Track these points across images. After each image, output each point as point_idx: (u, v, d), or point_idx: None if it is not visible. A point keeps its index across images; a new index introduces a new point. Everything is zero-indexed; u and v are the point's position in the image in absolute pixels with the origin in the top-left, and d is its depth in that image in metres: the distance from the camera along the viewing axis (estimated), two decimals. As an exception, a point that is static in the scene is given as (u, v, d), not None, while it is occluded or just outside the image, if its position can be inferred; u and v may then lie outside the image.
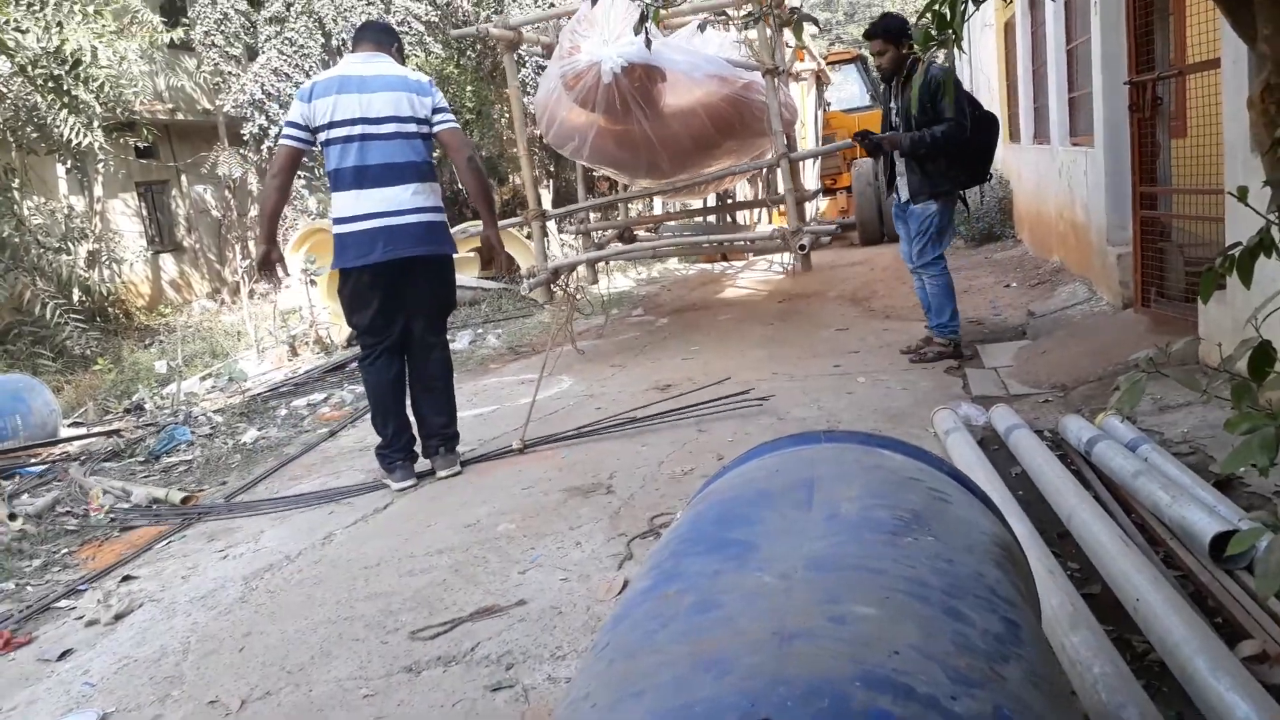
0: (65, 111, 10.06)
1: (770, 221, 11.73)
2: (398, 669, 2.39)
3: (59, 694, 2.60)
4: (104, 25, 10.47)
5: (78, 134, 10.11)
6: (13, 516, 4.28)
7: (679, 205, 12.25)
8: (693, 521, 1.38)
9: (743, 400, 4.52)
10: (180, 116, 15.03)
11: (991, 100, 11.76)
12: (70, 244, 11.84)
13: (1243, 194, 1.48)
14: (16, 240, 10.59)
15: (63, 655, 2.86)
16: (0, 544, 3.93)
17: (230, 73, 11.99)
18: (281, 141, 3.99)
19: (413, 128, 4.00)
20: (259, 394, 6.79)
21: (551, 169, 16.48)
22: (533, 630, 2.49)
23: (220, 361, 8.37)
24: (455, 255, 4.33)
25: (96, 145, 10.57)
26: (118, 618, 3.06)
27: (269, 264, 4.08)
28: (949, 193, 5.11)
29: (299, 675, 2.44)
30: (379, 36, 4.16)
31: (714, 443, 4.06)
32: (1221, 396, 1.38)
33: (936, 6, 1.64)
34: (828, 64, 14.25)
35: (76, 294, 11.21)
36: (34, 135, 10.56)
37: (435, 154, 4.25)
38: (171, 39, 12.13)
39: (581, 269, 8.92)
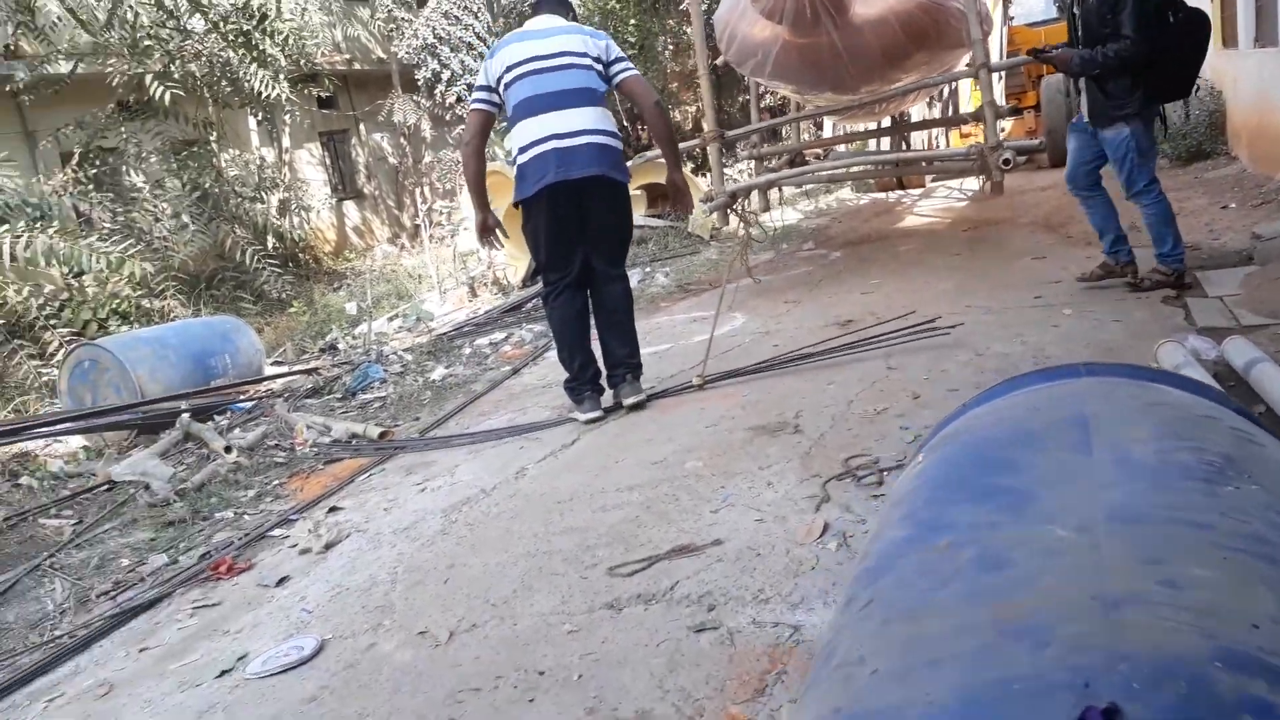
0: (255, 65, 10.59)
1: (949, 144, 11.10)
2: (599, 605, 2.38)
3: (279, 619, 2.74)
4: (287, -23, 10.93)
5: (266, 86, 10.63)
6: (228, 449, 4.57)
7: (847, 129, 11.74)
8: (944, 465, 1.25)
9: (932, 330, 4.25)
10: (357, 66, 15.58)
11: (1203, 3, 10.62)
12: (264, 193, 12.59)
13: None
14: (217, 191, 11.33)
15: (280, 581, 3.02)
16: (218, 475, 4.21)
17: (403, 19, 12.28)
18: (472, 106, 4.10)
19: (587, 62, 4.01)
20: (444, 333, 7.01)
21: (719, 100, 16.17)
22: (731, 571, 2.42)
23: (406, 303, 8.71)
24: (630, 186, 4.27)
25: (283, 97, 11.10)
26: (328, 546, 3.21)
27: (487, 229, 4.21)
28: (1139, 113, 4.51)
29: (503, 608, 2.47)
30: (554, 6, 4.25)
31: (907, 380, 3.85)
32: None
33: None
34: (1011, -28, 13.25)
35: (271, 241, 11.92)
36: (228, 89, 11.16)
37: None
38: (347, -10, 12.58)
39: (754, 196, 8.69)
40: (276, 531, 3.52)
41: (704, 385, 4.26)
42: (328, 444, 4.60)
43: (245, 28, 10.53)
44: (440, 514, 3.28)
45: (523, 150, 3.92)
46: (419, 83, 12.39)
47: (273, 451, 4.63)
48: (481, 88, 4.06)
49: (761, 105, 10.91)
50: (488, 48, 12.56)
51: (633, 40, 13.32)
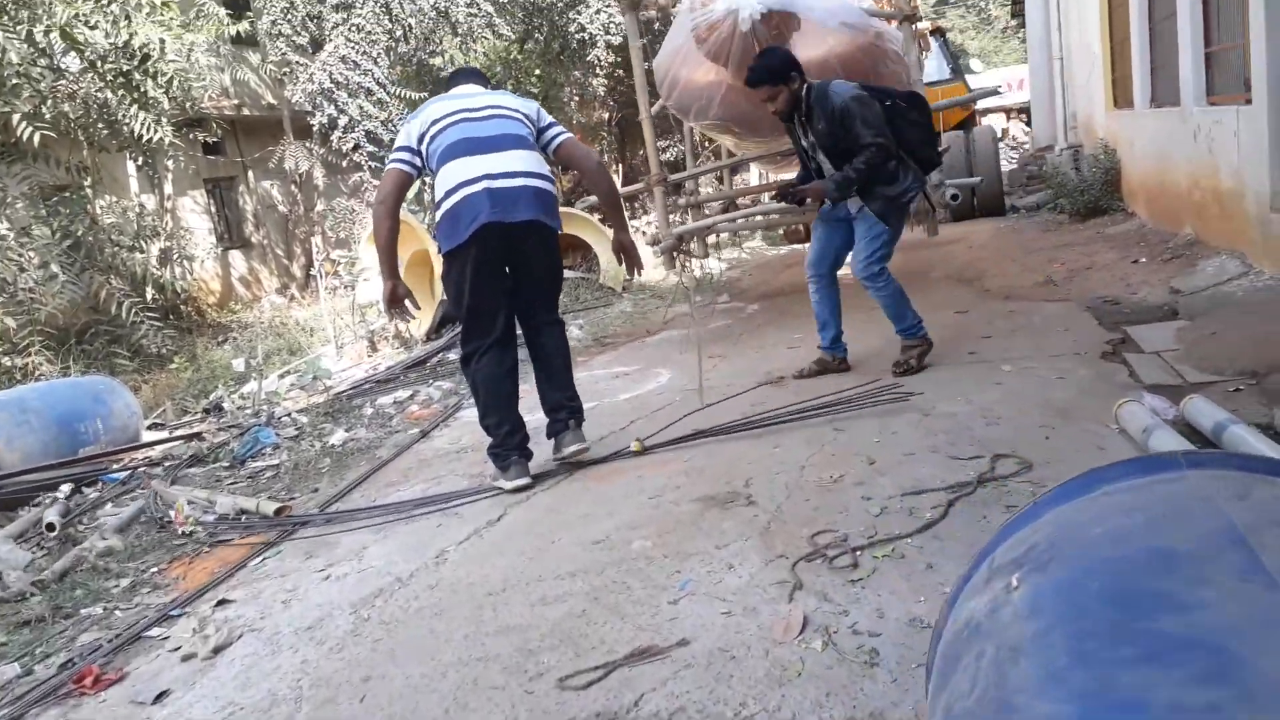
0: (135, 107, 9.92)
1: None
2: (551, 729, 2.01)
3: (157, 749, 2.28)
4: (171, 18, 10.31)
5: (148, 130, 9.97)
6: (50, 527, 4.04)
7: (772, 178, 11.80)
8: (1066, 598, 0.96)
9: (894, 395, 4.01)
10: (246, 111, 14.94)
11: (1092, 66, 11.06)
12: (143, 242, 11.78)
13: None
14: (91, 239, 10.52)
15: (159, 698, 2.54)
16: (84, 561, 3.66)
17: (298, 62, 11.78)
18: (390, 164, 3.80)
19: (519, 116, 3.83)
20: (342, 392, 6.52)
21: (622, 153, 16.09)
22: (704, 680, 2.09)
23: (299, 358, 8.14)
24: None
25: (166, 141, 10.43)
26: (216, 651, 2.74)
27: (397, 300, 3.83)
28: (904, 202, 4.59)
29: (433, 734, 2.08)
30: (474, 77, 4.13)
31: (856, 443, 3.61)
32: None
33: None
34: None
35: (150, 292, 11.13)
36: (104, 132, 10.44)
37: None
38: (237, 32, 11.98)
39: (693, 244, 8.65)
40: (154, 631, 3.02)
41: (644, 450, 3.93)
42: (213, 523, 4.08)
43: (125, 68, 9.87)
44: (350, 609, 2.85)
45: (450, 193, 3.60)
46: (314, 128, 11.87)
47: (150, 532, 4.08)
48: (401, 148, 3.77)
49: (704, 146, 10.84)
50: (387, 94, 12.24)
51: (536, 91, 13.11)
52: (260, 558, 3.56)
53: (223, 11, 11.41)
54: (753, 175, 13.25)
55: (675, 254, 7.14)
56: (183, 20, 10.85)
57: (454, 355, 7.48)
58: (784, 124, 4.78)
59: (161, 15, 10.17)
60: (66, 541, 4.03)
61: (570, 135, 4.02)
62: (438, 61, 12.33)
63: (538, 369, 4.00)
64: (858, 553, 2.58)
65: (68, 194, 10.65)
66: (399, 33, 11.62)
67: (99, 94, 10.00)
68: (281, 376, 7.56)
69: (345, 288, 8.78)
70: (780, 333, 6.49)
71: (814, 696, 1.95)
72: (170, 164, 12.40)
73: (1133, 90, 8.64)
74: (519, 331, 3.94)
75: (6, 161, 10.01)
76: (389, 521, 3.69)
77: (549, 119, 3.99)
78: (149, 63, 9.94)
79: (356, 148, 11.53)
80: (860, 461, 3.38)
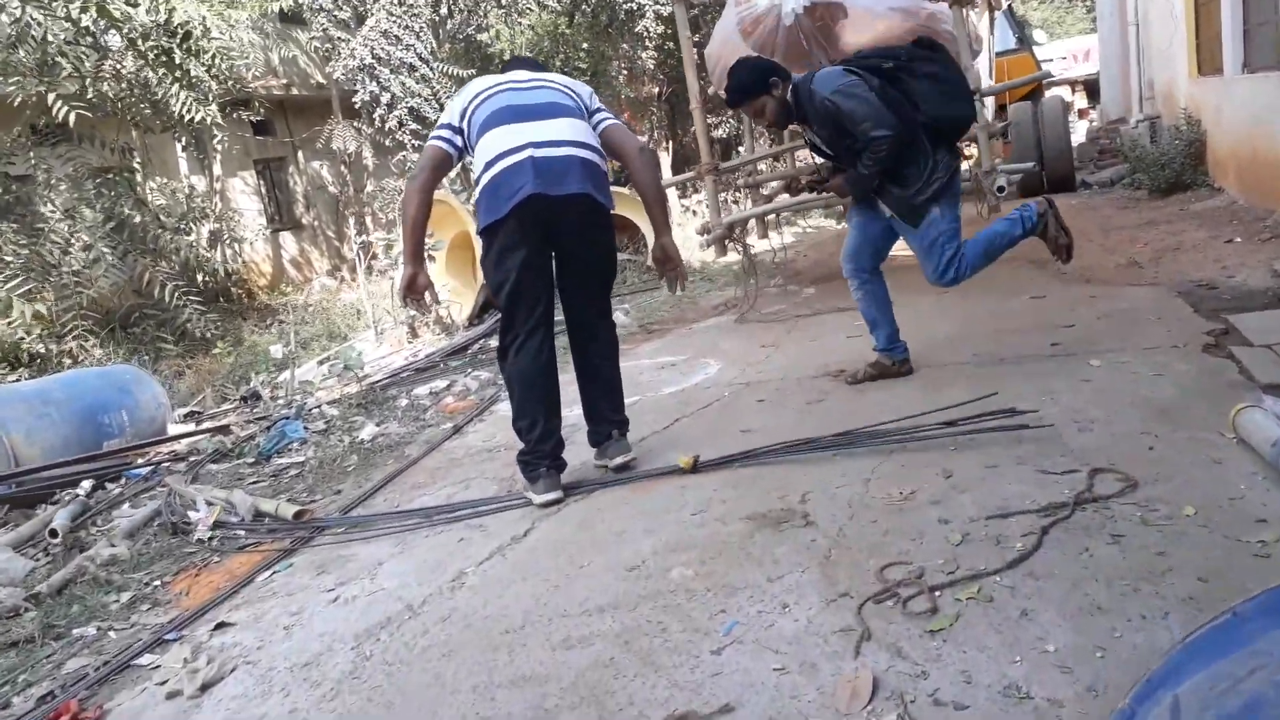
0: (177, 87, 9.74)
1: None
2: (565, 819, 1.66)
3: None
4: (213, -5, 10.12)
5: (192, 110, 9.78)
6: (53, 533, 3.81)
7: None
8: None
9: (1010, 422, 3.21)
10: (295, 91, 14.76)
11: (1174, 29, 10.33)
12: (192, 224, 11.67)
13: None
14: (137, 221, 10.41)
15: (135, 745, 2.25)
16: (85, 572, 3.40)
17: (339, 38, 11.52)
18: (430, 140, 3.44)
19: (568, 92, 3.48)
20: (378, 381, 6.25)
21: (673, 131, 15.63)
22: (752, 759, 1.72)
23: (338, 344, 7.91)
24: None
25: (211, 121, 10.26)
26: (204, 688, 2.44)
27: (416, 288, 3.42)
28: (945, 187, 3.94)
29: (427, 817, 1.75)
30: (528, 64, 3.72)
31: (930, 451, 3.20)
32: None
33: None
34: (975, 3, 13.12)
35: (200, 276, 11.02)
36: (148, 112, 10.29)
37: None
38: (281, 8, 11.75)
39: (753, 225, 8.54)
40: (146, 658, 2.74)
41: (695, 468, 3.46)
42: (236, 524, 3.81)
43: (167, 45, 9.69)
44: (352, 642, 2.53)
45: (490, 164, 3.22)
46: (357, 107, 11.63)
47: (163, 537, 3.83)
48: (443, 125, 3.43)
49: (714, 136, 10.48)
50: (430, 70, 11.94)
51: (584, 66, 12.71)
52: (270, 571, 3.27)
53: (262, -14, 11.18)
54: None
55: (728, 242, 6.98)
56: (226, -2, 10.67)
57: (495, 341, 7.18)
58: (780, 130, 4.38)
59: (203, -8, 9.99)
60: (74, 547, 3.79)
61: (619, 122, 3.62)
62: (484, 37, 11.99)
63: (583, 374, 3.62)
64: (936, 593, 2.19)
65: (113, 176, 10.55)
66: (443, 7, 11.29)
67: (140, 73, 9.83)
68: (320, 363, 7.34)
69: (383, 272, 8.50)
70: (839, 320, 6.05)
71: (888, 794, 1.57)
72: (218, 145, 12.28)
73: (1222, 55, 7.96)
74: (564, 329, 3.55)
75: (51, 143, 9.93)
76: (410, 531, 3.37)
77: (599, 103, 3.62)
78: (191, 40, 9.76)
79: (401, 125, 11.26)
80: (934, 474, 2.97)
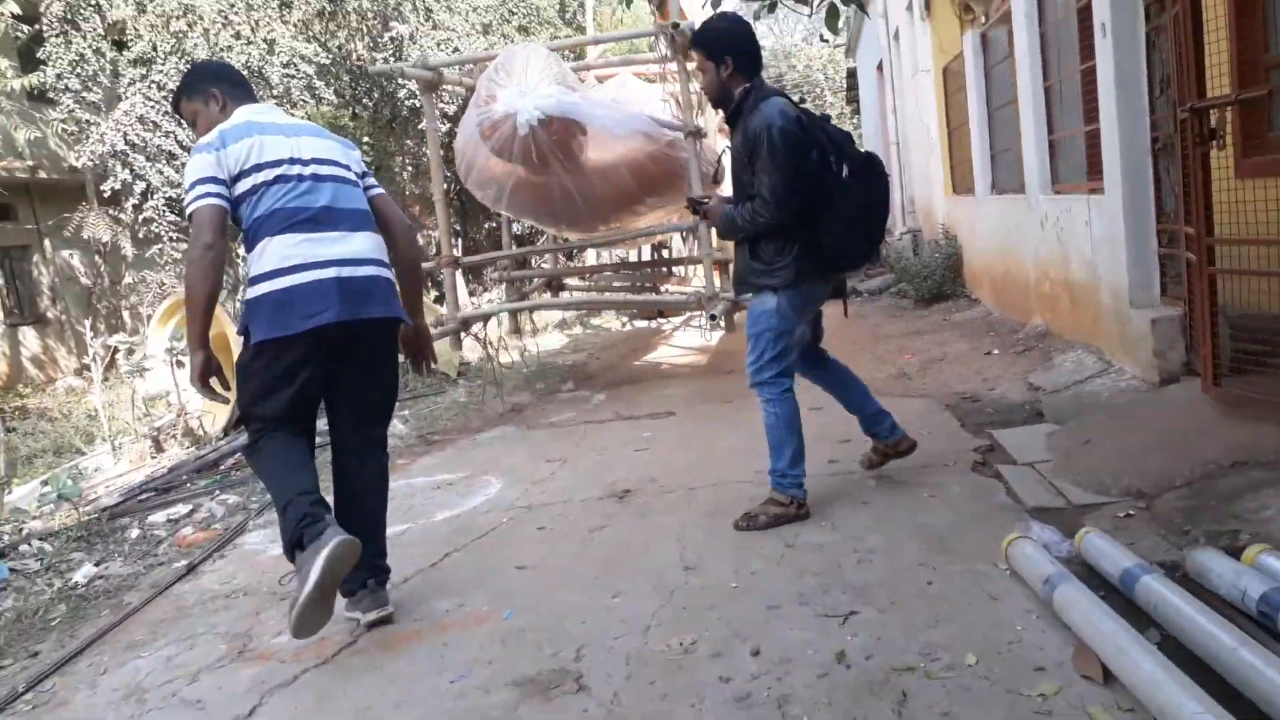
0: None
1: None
2: None
3: None
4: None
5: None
6: None
7: (613, 256, 11.45)
8: None
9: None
10: (42, 174, 13.48)
11: (930, 151, 11.22)
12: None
13: None
14: None
15: None
16: None
17: (89, 121, 10.56)
18: (200, 202, 2.88)
19: (352, 176, 3.16)
20: (109, 506, 5.47)
21: (458, 226, 15.39)
22: None
23: (68, 459, 6.97)
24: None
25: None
26: None
27: (209, 374, 2.95)
28: (790, 284, 3.52)
29: None
30: (251, 90, 3.34)
31: (711, 586, 3.01)
32: None
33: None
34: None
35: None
36: None
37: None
38: (29, 87, 10.72)
39: (505, 323, 8.47)
40: None
41: None
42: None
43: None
44: None
45: (282, 273, 2.85)
46: (106, 194, 10.68)
47: None
48: (208, 179, 2.90)
49: (513, 232, 10.36)
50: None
51: (368, 161, 12.31)
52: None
53: (5, 63, 10.17)
54: (590, 255, 12.84)
55: (468, 337, 7.08)
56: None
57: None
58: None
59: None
60: None
61: (384, 192, 3.37)
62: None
63: (343, 513, 3.12)
64: (717, 782, 1.94)
65: None
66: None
67: None
68: (44, 484, 6.40)
69: (130, 376, 7.63)
70: (628, 430, 5.90)
71: None
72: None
73: (973, 176, 8.66)
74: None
75: None
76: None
77: (366, 167, 3.34)
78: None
79: (159, 215, 10.39)
80: (715, 618, 2.76)
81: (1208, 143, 3.61)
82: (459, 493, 4.95)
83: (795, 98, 4.54)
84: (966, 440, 4.50)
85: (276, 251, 2.88)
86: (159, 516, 5.16)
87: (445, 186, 6.83)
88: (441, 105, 10.69)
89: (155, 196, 10.17)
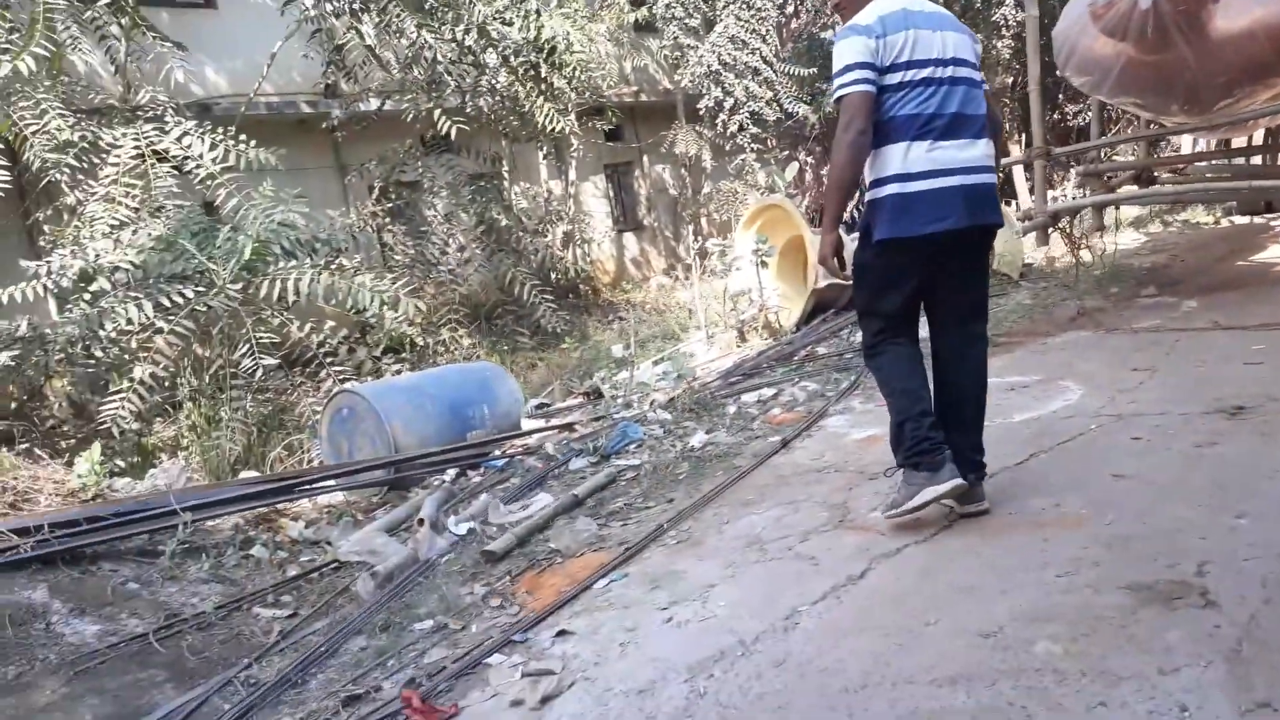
0: (542, 99, 10.50)
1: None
2: None
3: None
4: (577, 9, 10.80)
5: (552, 120, 10.51)
6: (421, 522, 4.10)
7: (1211, 144, 10.01)
8: None
9: None
10: (643, 97, 15.44)
11: None
12: (548, 226, 12.63)
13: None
14: (503, 224, 11.42)
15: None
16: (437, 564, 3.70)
17: (689, 45, 11.90)
18: (851, 88, 3.00)
19: (979, 77, 3.21)
20: (708, 384, 6.33)
21: (1026, 122, 14.54)
22: None
23: (675, 344, 8.15)
24: None
25: (569, 130, 10.96)
26: (544, 701, 2.53)
27: (835, 253, 3.23)
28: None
29: None
30: None
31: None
32: None
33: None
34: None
35: (554, 276, 11.87)
36: (515, 124, 11.21)
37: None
38: (635, 19, 12.33)
39: (1087, 219, 7.92)
40: (495, 657, 2.90)
41: None
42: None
43: (534, 60, 10.48)
44: (685, 674, 2.50)
45: (909, 177, 3.04)
46: (700, 112, 11.95)
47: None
48: (864, 65, 2.99)
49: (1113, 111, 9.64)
50: (774, 73, 11.95)
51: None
52: (606, 580, 3.36)
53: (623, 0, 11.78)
54: (1185, 143, 11.27)
55: (1050, 232, 6.74)
56: (588, 12, 11.37)
57: (823, 349, 7.01)
58: None
59: (568, 7, 10.70)
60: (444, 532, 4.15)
61: (988, 87, 3.41)
62: (828, 35, 11.83)
63: (943, 405, 3.26)
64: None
65: (483, 183, 11.62)
66: (790, 8, 11.27)
67: (510, 87, 10.72)
68: (656, 364, 7.58)
69: (722, 274, 8.63)
70: (1230, 341, 5.23)
71: None
72: (574, 152, 13.14)
73: None
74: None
75: (436, 152, 11.14)
76: (739, 559, 3.31)
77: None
78: (555, 55, 10.48)
79: (741, 129, 11.40)
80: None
81: None
82: (1034, 396, 4.84)
83: None
84: None
85: (908, 156, 3.02)
86: (750, 397, 5.83)
87: (1024, 79, 6.61)
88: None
89: (741, 111, 11.18)
